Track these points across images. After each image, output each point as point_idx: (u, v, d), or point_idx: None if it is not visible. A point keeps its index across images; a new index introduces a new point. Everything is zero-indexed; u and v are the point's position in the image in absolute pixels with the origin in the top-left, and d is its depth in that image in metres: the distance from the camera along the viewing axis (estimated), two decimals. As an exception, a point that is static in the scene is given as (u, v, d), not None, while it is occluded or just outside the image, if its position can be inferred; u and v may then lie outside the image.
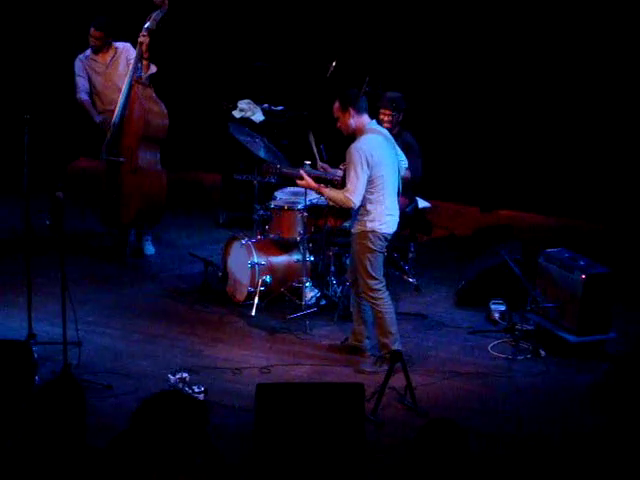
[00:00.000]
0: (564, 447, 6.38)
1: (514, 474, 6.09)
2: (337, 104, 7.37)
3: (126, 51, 9.40)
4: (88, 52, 9.47)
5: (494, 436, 6.42)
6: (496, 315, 8.33)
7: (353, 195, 7.23)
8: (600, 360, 7.60)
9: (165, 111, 9.26)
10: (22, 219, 7.30)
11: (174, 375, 6.90)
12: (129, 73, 9.18)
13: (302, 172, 7.74)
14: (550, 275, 7.92)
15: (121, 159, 9.23)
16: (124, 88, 9.19)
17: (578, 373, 7.44)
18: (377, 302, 7.38)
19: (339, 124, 7.40)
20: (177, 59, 11.29)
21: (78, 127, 10.79)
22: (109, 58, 9.39)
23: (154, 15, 9.15)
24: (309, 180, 7.68)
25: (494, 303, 8.38)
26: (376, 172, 7.23)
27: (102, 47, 9.38)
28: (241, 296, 8.49)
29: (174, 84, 9.61)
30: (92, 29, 9.34)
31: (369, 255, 7.32)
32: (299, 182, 7.76)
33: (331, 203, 7.67)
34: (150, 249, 9.65)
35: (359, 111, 7.33)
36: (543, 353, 7.70)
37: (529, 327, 7.95)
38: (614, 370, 7.46)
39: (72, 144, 11.35)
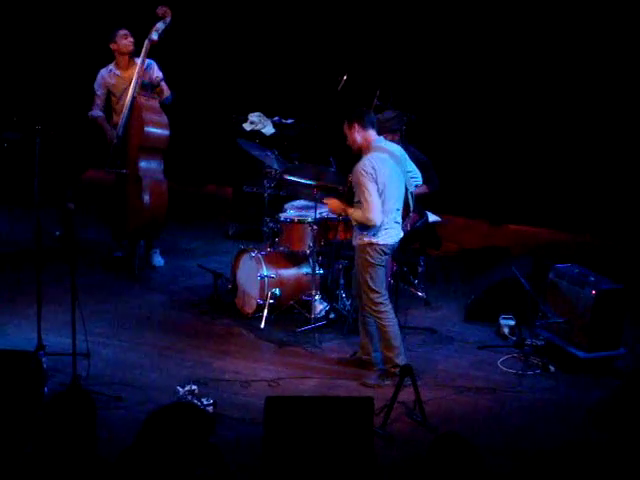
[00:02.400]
0: (573, 463, 6.35)
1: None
2: (345, 122, 7.42)
3: (149, 68, 9.37)
4: (112, 67, 9.42)
5: (503, 451, 6.39)
6: (506, 330, 8.31)
7: (372, 213, 7.21)
8: (610, 376, 7.57)
9: (166, 122, 9.28)
10: (32, 230, 7.28)
11: (183, 387, 6.89)
12: (132, 85, 9.20)
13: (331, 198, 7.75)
14: (560, 291, 7.90)
15: (124, 171, 9.27)
16: (127, 100, 9.22)
17: (588, 389, 7.41)
18: (380, 316, 7.37)
19: (347, 141, 7.44)
20: (187, 72, 11.32)
21: (88, 138, 10.84)
22: (132, 74, 9.32)
23: (157, 26, 9.18)
24: (338, 202, 7.64)
25: (504, 318, 8.37)
26: (380, 188, 7.24)
27: (134, 52, 9.30)
28: (250, 308, 8.49)
29: (184, 97, 9.62)
30: (124, 32, 9.26)
31: (369, 269, 7.32)
32: (327, 201, 7.75)
33: (354, 223, 7.57)
34: (159, 261, 9.67)
35: (364, 126, 7.35)
36: (553, 369, 7.68)
37: (539, 342, 7.93)
38: (624, 386, 7.43)
39: (83, 155, 11.38)
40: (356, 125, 7.34)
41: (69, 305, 6.94)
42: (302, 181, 8.26)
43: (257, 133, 10.42)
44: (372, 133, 7.39)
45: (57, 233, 9.71)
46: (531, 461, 6.33)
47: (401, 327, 7.58)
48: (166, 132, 9.29)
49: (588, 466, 6.29)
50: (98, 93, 9.46)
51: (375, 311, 7.38)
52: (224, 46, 11.72)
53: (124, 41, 9.31)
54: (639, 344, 8.03)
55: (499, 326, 8.36)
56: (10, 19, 12.29)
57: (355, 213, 7.42)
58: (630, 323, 7.99)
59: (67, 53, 12.15)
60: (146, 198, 9.24)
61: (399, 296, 8.22)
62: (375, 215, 7.22)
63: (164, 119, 9.28)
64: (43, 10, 12.41)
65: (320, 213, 8.23)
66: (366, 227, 7.29)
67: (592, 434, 6.74)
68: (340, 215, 7.91)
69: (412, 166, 7.61)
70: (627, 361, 7.76)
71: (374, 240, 7.29)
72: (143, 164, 9.27)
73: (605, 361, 7.69)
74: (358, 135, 7.36)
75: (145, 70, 9.26)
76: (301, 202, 8.78)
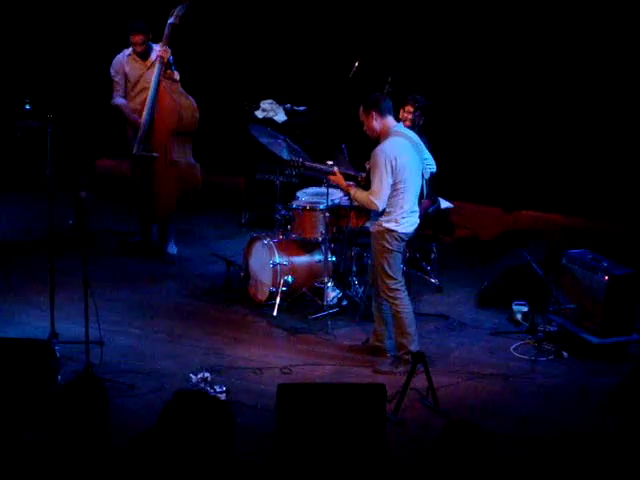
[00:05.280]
0: (586, 449, 6.35)
1: (535, 476, 6.06)
2: (361, 109, 7.39)
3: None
4: (128, 51, 9.41)
5: (516, 438, 6.39)
6: (518, 316, 8.30)
7: (377, 198, 7.23)
8: (623, 362, 7.56)
9: (195, 105, 9.29)
10: (45, 218, 7.31)
11: (196, 375, 6.91)
12: (156, 70, 9.19)
13: (336, 169, 7.75)
14: (573, 276, 7.88)
15: (155, 154, 9.24)
16: (152, 84, 9.18)
17: (601, 375, 7.40)
18: (395, 302, 7.37)
19: (365, 128, 7.40)
20: (199, 60, 11.31)
21: (101, 126, 10.84)
22: (150, 62, 9.34)
23: (177, 11, 9.15)
24: (341, 178, 7.67)
25: (516, 304, 8.36)
26: (399, 176, 7.22)
27: (147, 50, 9.30)
28: (263, 296, 8.49)
29: (196, 85, 9.61)
30: (133, 36, 9.25)
31: (387, 255, 7.32)
32: (331, 177, 7.76)
33: (356, 203, 7.67)
34: (173, 248, 9.68)
35: (382, 113, 7.31)
36: (565, 354, 7.68)
37: (552, 328, 7.92)
38: (636, 372, 7.42)
39: (95, 143, 11.40)
40: (374, 113, 7.29)
41: (82, 293, 6.96)
42: (323, 168, 8.20)
43: (269, 120, 10.42)
44: (390, 119, 7.36)
45: (70, 222, 9.75)
46: (544, 448, 6.33)
47: (414, 314, 7.58)
48: (196, 115, 9.29)
49: (602, 453, 6.29)
50: (116, 79, 9.43)
51: (391, 297, 7.38)
52: (236, 34, 11.70)
53: (136, 47, 9.30)
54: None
55: (512, 312, 8.34)
56: (23, 7, 12.30)
57: (358, 194, 7.43)
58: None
59: (80, 40, 12.14)
60: (182, 181, 9.26)
61: (412, 283, 8.23)
62: (380, 201, 7.22)
63: (193, 102, 9.29)
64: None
65: (332, 200, 8.23)
66: (384, 214, 7.28)
67: (606, 420, 6.74)
68: (346, 194, 7.87)
69: (427, 154, 7.60)
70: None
71: (393, 227, 7.29)
72: (176, 148, 9.26)
73: (618, 347, 7.68)
74: (376, 123, 7.31)
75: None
76: (313, 189, 8.78)
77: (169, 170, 9.25)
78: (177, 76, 9.29)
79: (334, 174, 7.71)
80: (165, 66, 9.18)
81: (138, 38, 9.26)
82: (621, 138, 10.37)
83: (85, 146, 10.57)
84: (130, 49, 9.40)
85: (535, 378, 7.37)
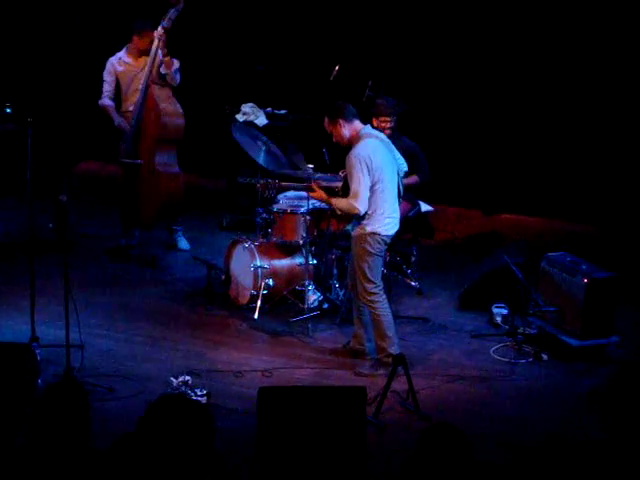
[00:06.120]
0: (565, 451, 6.38)
1: (516, 479, 6.08)
2: (326, 120, 7.42)
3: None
4: (122, 54, 9.41)
5: (496, 440, 6.41)
6: (498, 319, 8.33)
7: (357, 201, 7.24)
8: (602, 364, 7.60)
9: (180, 111, 9.29)
10: (26, 222, 7.29)
11: (176, 378, 6.91)
12: (145, 74, 9.18)
13: (314, 184, 7.75)
14: (552, 279, 7.92)
15: (139, 161, 9.24)
16: (141, 89, 9.20)
17: (580, 377, 7.44)
18: (374, 305, 7.39)
19: (334, 138, 7.45)
20: (181, 64, 11.30)
21: (82, 129, 10.82)
22: (144, 62, 9.32)
23: (170, 13, 9.15)
24: (321, 192, 7.68)
25: (496, 307, 8.39)
26: (376, 176, 7.25)
27: (149, 51, 9.29)
28: (244, 299, 8.50)
29: (178, 88, 9.61)
30: (146, 34, 9.21)
31: (368, 258, 7.33)
32: (312, 194, 7.78)
33: (339, 212, 7.67)
34: (184, 244, 9.71)
35: (348, 119, 7.35)
36: (545, 357, 7.71)
37: (531, 331, 7.96)
38: (616, 374, 7.46)
39: (76, 147, 11.38)
40: (340, 121, 7.34)
41: (62, 296, 6.95)
42: (301, 186, 8.24)
43: (250, 124, 10.42)
44: (357, 123, 7.40)
45: (50, 225, 9.72)
46: (523, 449, 6.35)
47: (394, 316, 7.61)
48: (181, 121, 9.29)
49: (582, 455, 6.32)
50: (107, 80, 9.41)
51: (369, 301, 7.40)
52: (217, 38, 11.71)
53: (145, 45, 9.27)
54: (632, 332, 8.05)
55: (492, 315, 8.37)
56: (3, 10, 12.27)
57: (339, 202, 7.45)
58: (622, 311, 8.00)
59: (61, 43, 12.12)
60: (164, 190, 9.25)
61: (392, 285, 8.26)
62: (361, 204, 7.23)
63: (179, 108, 9.28)
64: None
65: (313, 203, 8.24)
66: (365, 216, 7.29)
67: (586, 422, 6.77)
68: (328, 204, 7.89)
69: (397, 153, 7.63)
70: (620, 349, 7.79)
71: (376, 230, 7.30)
72: (159, 156, 9.24)
73: (597, 349, 7.72)
74: (345, 130, 7.35)
75: (160, 59, 9.23)
76: (294, 193, 8.78)
77: (151, 179, 9.24)
78: (177, 63, 9.22)
79: (313, 190, 7.73)
80: (167, 73, 9.17)
81: (149, 37, 9.21)
82: (599, 142, 10.43)
83: (66, 149, 10.56)
84: (123, 52, 9.40)
85: (515, 380, 7.39)
